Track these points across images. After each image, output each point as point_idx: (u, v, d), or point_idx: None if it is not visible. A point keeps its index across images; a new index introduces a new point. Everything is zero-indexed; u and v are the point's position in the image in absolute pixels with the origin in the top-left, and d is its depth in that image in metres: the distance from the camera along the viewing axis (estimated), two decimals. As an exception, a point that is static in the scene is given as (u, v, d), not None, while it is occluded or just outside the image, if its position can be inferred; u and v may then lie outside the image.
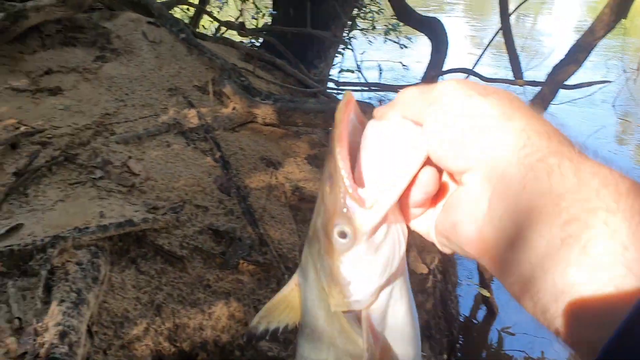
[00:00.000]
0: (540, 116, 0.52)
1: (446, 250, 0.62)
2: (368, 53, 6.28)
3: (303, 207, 2.62)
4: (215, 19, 5.13)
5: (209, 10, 5.48)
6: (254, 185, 2.57)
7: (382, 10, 6.52)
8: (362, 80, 4.74)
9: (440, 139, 0.55)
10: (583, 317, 0.43)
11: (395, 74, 7.41)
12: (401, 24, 5.22)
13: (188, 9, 6.19)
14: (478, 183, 0.52)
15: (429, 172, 0.58)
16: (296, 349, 0.79)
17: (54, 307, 1.81)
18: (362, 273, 0.64)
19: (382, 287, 0.66)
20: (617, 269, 0.41)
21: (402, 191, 0.59)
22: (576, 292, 0.43)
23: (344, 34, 5.50)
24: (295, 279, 0.75)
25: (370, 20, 6.38)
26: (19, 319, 1.76)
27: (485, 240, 0.51)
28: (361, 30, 6.20)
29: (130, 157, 2.48)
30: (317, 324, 0.73)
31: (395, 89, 4.78)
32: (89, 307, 1.89)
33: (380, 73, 4.90)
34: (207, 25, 6.24)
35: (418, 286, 3.04)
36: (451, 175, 0.60)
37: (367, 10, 6.40)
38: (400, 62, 6.25)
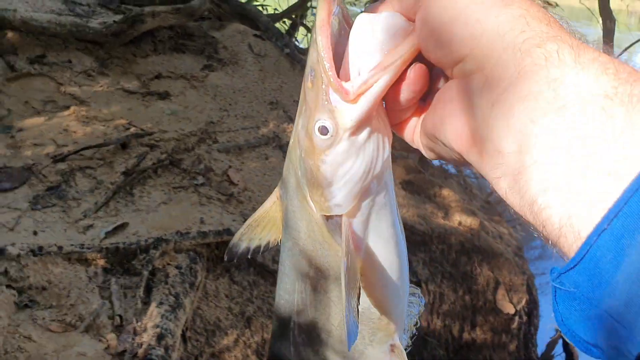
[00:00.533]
0: (540, 5, 0.48)
1: (431, 156, 0.59)
2: None
3: (395, 233, 2.58)
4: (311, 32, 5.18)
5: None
6: (348, 206, 2.56)
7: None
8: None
9: (431, 28, 0.51)
10: (574, 205, 0.41)
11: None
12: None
13: (285, 21, 6.31)
14: (470, 73, 0.48)
15: (417, 69, 0.55)
16: (279, 263, 0.75)
17: (153, 309, 1.85)
18: (343, 173, 0.61)
19: (364, 192, 0.62)
20: (612, 156, 0.39)
21: (388, 84, 0.56)
22: (567, 182, 0.41)
23: None
24: (276, 192, 0.71)
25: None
26: (120, 316, 1.81)
27: (475, 132, 0.48)
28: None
29: (230, 167, 2.52)
30: (299, 236, 0.70)
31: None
32: (185, 311, 1.92)
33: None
34: (299, 37, 6.33)
35: (503, 326, 2.93)
36: (444, 75, 0.56)
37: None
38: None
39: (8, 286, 1.78)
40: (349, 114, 0.58)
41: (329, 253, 0.69)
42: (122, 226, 2.09)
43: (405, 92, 0.57)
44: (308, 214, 0.67)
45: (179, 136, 2.58)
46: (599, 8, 4.40)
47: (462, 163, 0.54)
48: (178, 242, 2.04)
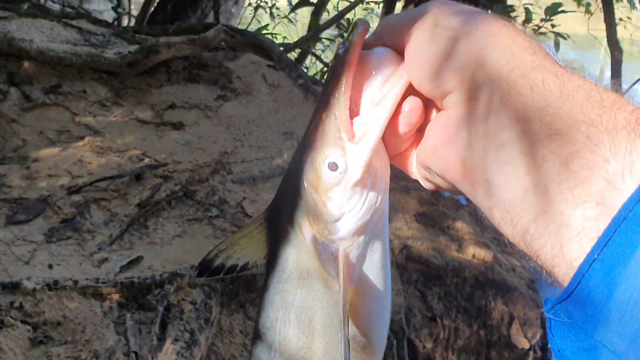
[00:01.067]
0: (526, 34, 0.49)
1: (428, 186, 0.60)
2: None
3: (410, 266, 2.56)
4: (322, 61, 5.23)
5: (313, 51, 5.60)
6: (362, 239, 2.54)
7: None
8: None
9: (419, 62, 0.52)
10: (564, 235, 0.40)
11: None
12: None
13: (294, 50, 6.37)
14: (458, 104, 0.49)
15: (411, 102, 0.56)
16: (262, 290, 0.73)
17: (169, 345, 1.83)
18: (349, 209, 0.61)
19: (365, 225, 0.63)
20: (597, 183, 0.39)
21: (385, 122, 0.57)
22: (556, 211, 0.41)
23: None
24: (263, 215, 0.71)
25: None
26: (136, 353, 1.79)
27: (465, 163, 0.48)
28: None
29: (244, 198, 2.52)
30: (286, 263, 0.69)
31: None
32: (200, 348, 1.90)
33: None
34: (307, 63, 6.38)
35: (517, 361, 2.89)
36: (436, 106, 0.56)
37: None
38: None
39: (23, 321, 1.77)
40: (358, 153, 0.58)
41: (317, 282, 0.68)
42: (137, 260, 2.08)
43: (402, 125, 0.58)
44: (299, 241, 0.67)
45: (193, 167, 2.58)
46: (607, 39, 4.43)
47: (457, 193, 0.54)
48: (193, 277, 2.02)
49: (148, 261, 2.09)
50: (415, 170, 0.61)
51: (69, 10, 5.48)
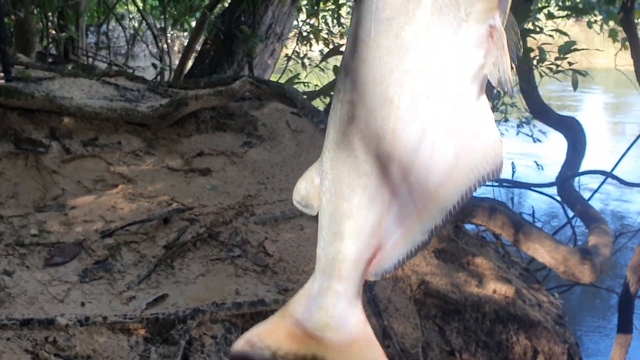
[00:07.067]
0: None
1: None
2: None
3: (428, 302, 2.61)
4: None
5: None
6: (380, 275, 2.62)
7: (514, 104, 6.48)
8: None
9: None
10: None
11: (528, 170, 7.23)
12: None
13: (325, 97, 6.56)
14: None
15: None
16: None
17: (189, 377, 1.94)
18: None
19: None
20: None
21: None
22: None
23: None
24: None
25: (503, 113, 6.36)
26: (158, 385, 1.90)
27: None
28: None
29: (266, 238, 2.64)
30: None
31: (528, 186, 4.69)
32: (219, 380, 2.00)
33: (513, 171, 4.85)
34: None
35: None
36: None
37: (500, 103, 6.40)
38: (535, 162, 6.09)
39: (56, 355, 1.91)
40: None
41: None
42: (162, 297, 2.21)
43: None
44: None
45: (218, 210, 2.73)
46: (636, 74, 4.42)
47: None
48: (214, 313, 2.14)
49: (173, 298, 2.22)
50: None
51: (114, 68, 5.84)
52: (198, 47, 7.14)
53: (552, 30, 4.08)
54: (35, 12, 5.69)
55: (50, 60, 5.77)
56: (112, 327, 2.03)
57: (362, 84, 0.69)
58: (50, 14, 6.14)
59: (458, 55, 0.64)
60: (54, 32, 6.49)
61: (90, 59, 7.11)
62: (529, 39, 3.84)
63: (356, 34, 0.69)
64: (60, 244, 2.44)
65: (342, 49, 6.21)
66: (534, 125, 6.20)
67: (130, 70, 5.97)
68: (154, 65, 6.26)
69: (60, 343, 1.93)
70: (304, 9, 7.92)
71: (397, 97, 0.67)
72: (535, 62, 3.33)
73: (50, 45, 6.66)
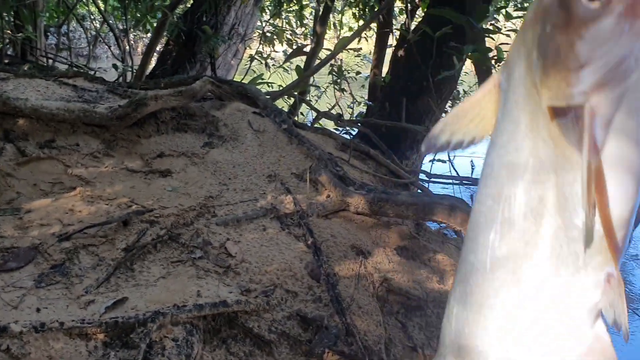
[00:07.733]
0: None
1: None
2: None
3: (390, 299, 2.63)
4: (314, 109, 5.38)
5: (307, 99, 5.78)
6: (343, 274, 2.62)
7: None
8: (453, 173, 4.78)
9: None
10: None
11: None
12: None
13: (289, 97, 6.55)
14: None
15: None
16: (483, 165, 0.65)
17: (149, 381, 1.91)
18: (601, 55, 0.51)
19: (616, 80, 0.52)
20: None
21: None
22: None
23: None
24: (493, 79, 0.62)
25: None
26: (117, 389, 1.87)
27: None
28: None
29: (228, 239, 2.62)
30: (517, 129, 0.59)
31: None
32: (180, 383, 1.97)
33: (473, 169, 4.92)
34: (304, 111, 6.55)
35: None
36: None
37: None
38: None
39: (10, 363, 1.86)
40: None
41: (552, 153, 0.59)
42: (122, 301, 2.17)
43: None
44: (534, 103, 0.58)
45: (179, 211, 2.69)
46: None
47: None
48: (175, 316, 2.11)
49: (133, 302, 2.18)
50: None
51: (74, 69, 5.73)
52: (161, 48, 7.05)
53: (510, 30, 4.16)
54: (-11, 12, 5.55)
55: (6, 61, 5.63)
56: (69, 332, 1.99)
57: (475, 313, 0.71)
58: (5, 14, 5.99)
59: (574, 295, 0.65)
60: (10, 32, 6.34)
61: (50, 60, 6.96)
62: (487, 39, 3.90)
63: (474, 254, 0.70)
64: (15, 248, 2.37)
65: (306, 49, 6.22)
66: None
67: (92, 72, 5.87)
68: (114, 66, 6.15)
69: (14, 350, 1.88)
70: (267, 10, 7.90)
71: (512, 325, 0.69)
72: (493, 61, 3.38)
73: (8, 46, 6.50)
